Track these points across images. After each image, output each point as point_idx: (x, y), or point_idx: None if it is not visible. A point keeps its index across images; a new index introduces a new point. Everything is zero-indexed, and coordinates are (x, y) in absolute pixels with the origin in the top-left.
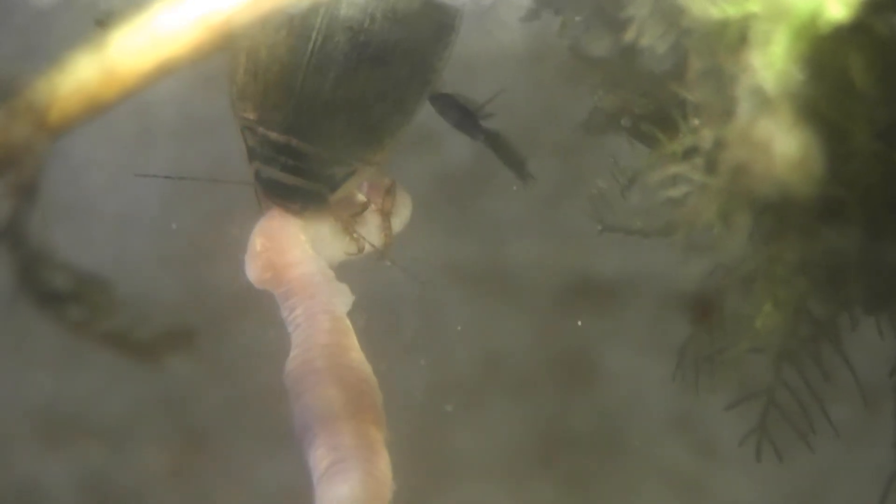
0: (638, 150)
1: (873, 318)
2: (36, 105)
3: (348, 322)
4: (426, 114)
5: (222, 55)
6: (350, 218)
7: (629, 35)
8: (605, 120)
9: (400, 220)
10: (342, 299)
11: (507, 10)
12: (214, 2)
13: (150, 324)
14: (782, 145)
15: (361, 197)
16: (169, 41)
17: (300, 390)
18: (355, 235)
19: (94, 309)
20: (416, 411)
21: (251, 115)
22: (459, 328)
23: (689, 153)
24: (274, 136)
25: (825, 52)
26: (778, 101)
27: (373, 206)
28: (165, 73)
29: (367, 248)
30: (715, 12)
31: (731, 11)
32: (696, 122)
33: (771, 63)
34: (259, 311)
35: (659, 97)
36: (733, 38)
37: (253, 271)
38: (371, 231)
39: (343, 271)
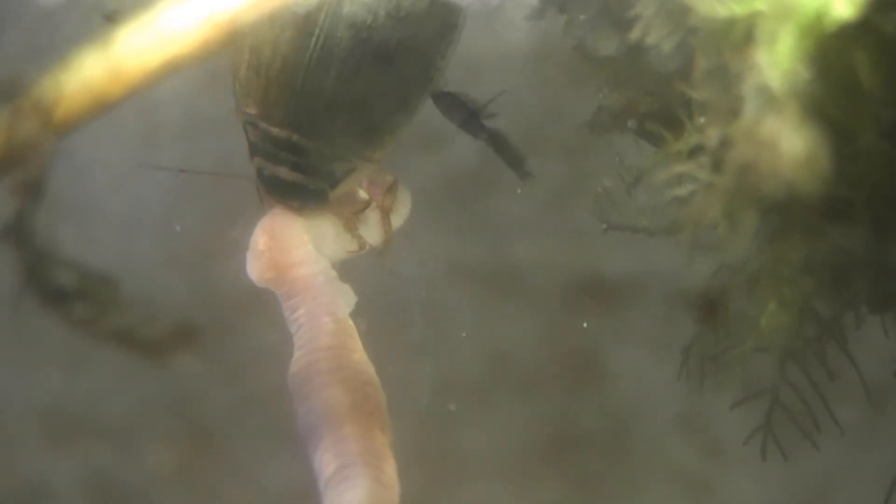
0: (643, 149)
1: (878, 317)
2: (42, 103)
3: (351, 323)
4: (432, 113)
5: (227, 52)
6: (351, 215)
7: (635, 34)
8: (611, 119)
9: (399, 217)
10: (345, 300)
11: (514, 9)
12: (220, 1)
13: (155, 322)
14: (788, 144)
15: (363, 194)
16: (175, 39)
17: (305, 393)
18: (356, 233)
19: (100, 307)
20: (423, 411)
21: (253, 111)
22: (465, 328)
23: (695, 152)
24: (275, 131)
25: (831, 50)
26: (784, 99)
27: (373, 203)
28: (171, 71)
29: (368, 245)
30: (721, 11)
31: (738, 10)
32: (701, 120)
33: (777, 62)
34: (265, 310)
35: (665, 96)
36: (739, 36)
37: (255, 270)
38: (370, 228)
39: (347, 271)
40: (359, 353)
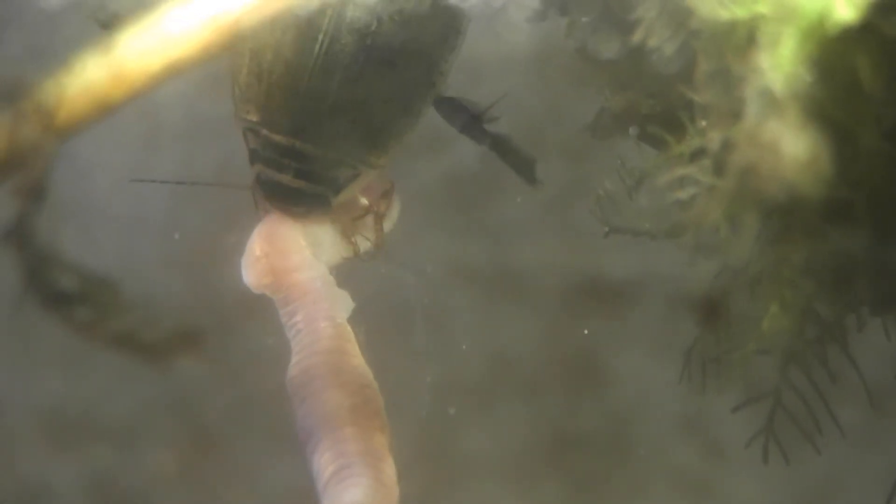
0: (645, 151)
1: (880, 319)
2: (44, 106)
3: (349, 328)
4: (432, 116)
5: (227, 58)
6: (350, 221)
7: (637, 37)
8: (612, 122)
9: (389, 221)
10: (342, 305)
11: (515, 11)
12: (222, 3)
13: (157, 325)
14: (790, 147)
15: (363, 200)
16: (177, 42)
17: (303, 396)
18: (353, 239)
19: (102, 310)
20: (424, 414)
21: (254, 118)
22: (466, 331)
23: (697, 155)
24: (278, 138)
25: (833, 53)
26: (786, 102)
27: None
28: (173, 74)
29: (363, 250)
30: (723, 14)
31: (740, 13)
32: (703, 123)
33: (779, 64)
34: (266, 312)
35: (667, 99)
36: (741, 39)
37: (252, 276)
38: (364, 233)
39: (347, 275)
40: (357, 358)
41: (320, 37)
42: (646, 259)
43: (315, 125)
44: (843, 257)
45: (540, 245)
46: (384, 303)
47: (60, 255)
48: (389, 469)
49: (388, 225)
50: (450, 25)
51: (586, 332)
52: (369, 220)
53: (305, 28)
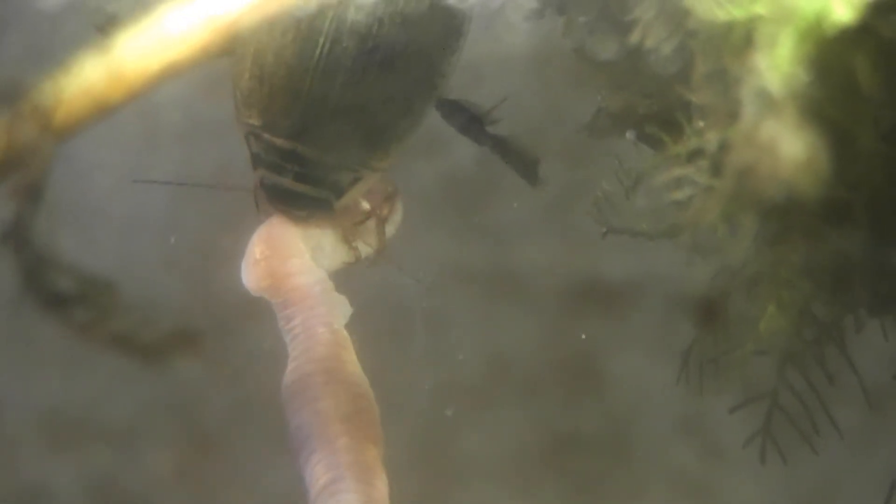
0: (643, 152)
1: (878, 320)
2: (42, 107)
3: (346, 335)
4: (431, 117)
5: (228, 61)
6: (352, 226)
7: (634, 37)
8: (610, 122)
9: (392, 226)
10: (341, 311)
11: (513, 11)
12: (221, 4)
13: (155, 326)
14: (788, 147)
15: (365, 204)
16: (175, 43)
17: (298, 405)
18: (354, 244)
19: (100, 311)
20: (422, 416)
21: (256, 121)
22: (464, 332)
23: (695, 155)
24: (280, 142)
25: (831, 54)
26: (783, 103)
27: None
28: (172, 76)
29: (364, 254)
30: (720, 14)
31: (737, 13)
32: (701, 124)
33: (776, 65)
34: (265, 314)
35: (664, 99)
36: (739, 40)
37: (251, 279)
38: (366, 237)
39: (346, 277)
40: (353, 365)
41: (321, 40)
42: (644, 260)
43: (316, 128)
44: (841, 258)
45: (538, 246)
46: (383, 306)
47: (58, 256)
48: (381, 484)
49: (390, 229)
50: (450, 27)
51: (584, 336)
52: (371, 224)
53: (306, 31)
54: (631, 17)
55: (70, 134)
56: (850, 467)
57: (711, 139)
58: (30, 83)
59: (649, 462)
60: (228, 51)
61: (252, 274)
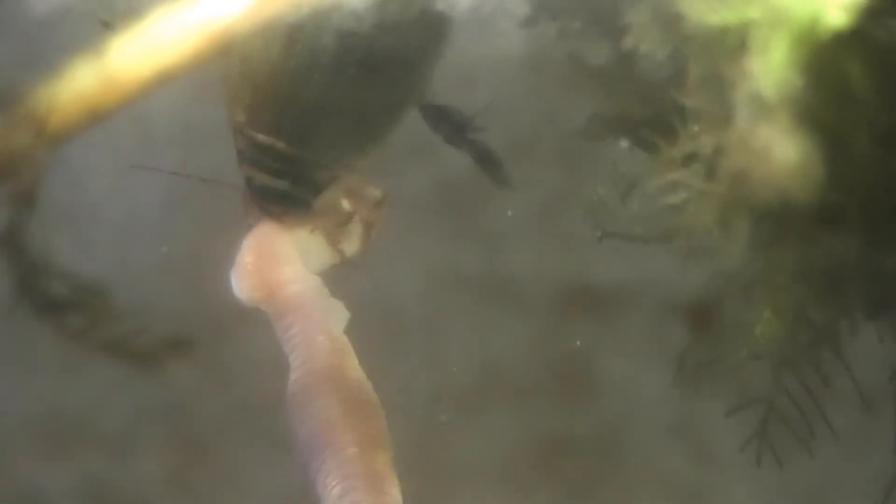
0: (637, 156)
1: (873, 323)
2: (36, 113)
3: (346, 340)
4: (423, 121)
5: (220, 61)
6: (334, 227)
7: (628, 42)
8: (604, 127)
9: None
10: (338, 316)
11: (506, 17)
12: (213, 10)
13: (149, 332)
14: (781, 152)
15: (346, 206)
16: (168, 49)
17: (305, 416)
18: (338, 245)
19: (94, 317)
20: (416, 420)
21: (242, 118)
22: (457, 337)
23: (689, 159)
24: (261, 138)
25: (824, 58)
26: (777, 107)
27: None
28: (165, 81)
29: (347, 257)
30: (714, 19)
31: (731, 18)
32: (695, 128)
33: (770, 69)
34: (259, 318)
35: (658, 104)
36: (733, 44)
37: (243, 289)
38: (350, 240)
39: (337, 284)
40: (356, 372)
41: (302, 38)
42: (637, 265)
43: (296, 127)
44: (835, 262)
45: (531, 250)
46: (376, 311)
47: (52, 262)
48: (394, 489)
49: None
50: (434, 30)
51: (578, 343)
52: (357, 228)
53: (289, 30)
54: (624, 22)
55: (64, 140)
56: (845, 470)
57: (706, 143)
58: (23, 89)
59: (643, 466)
60: (220, 56)
61: (244, 285)
